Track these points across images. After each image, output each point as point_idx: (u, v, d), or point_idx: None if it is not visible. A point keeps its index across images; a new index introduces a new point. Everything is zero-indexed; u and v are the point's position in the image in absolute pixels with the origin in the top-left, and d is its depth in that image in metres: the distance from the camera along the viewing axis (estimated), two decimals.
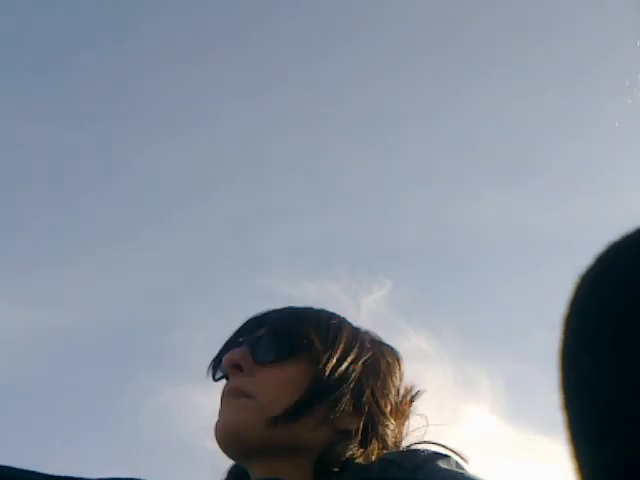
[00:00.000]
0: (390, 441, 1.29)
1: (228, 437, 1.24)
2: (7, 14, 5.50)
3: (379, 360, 1.33)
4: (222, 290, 5.57)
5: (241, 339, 1.33)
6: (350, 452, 1.22)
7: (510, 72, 5.81)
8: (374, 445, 1.25)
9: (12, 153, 5.63)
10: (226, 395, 1.28)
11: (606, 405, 0.47)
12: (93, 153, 5.78)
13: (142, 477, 1.28)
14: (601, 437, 0.47)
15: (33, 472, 1.24)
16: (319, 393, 1.24)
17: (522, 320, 5.37)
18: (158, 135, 5.88)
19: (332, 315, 1.36)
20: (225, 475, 1.34)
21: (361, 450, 1.24)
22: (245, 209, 5.86)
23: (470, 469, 1.20)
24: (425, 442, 1.29)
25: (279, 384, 1.24)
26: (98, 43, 5.81)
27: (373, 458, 1.23)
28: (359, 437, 1.25)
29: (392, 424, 1.30)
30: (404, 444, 1.32)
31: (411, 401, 1.36)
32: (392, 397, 1.32)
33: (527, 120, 5.76)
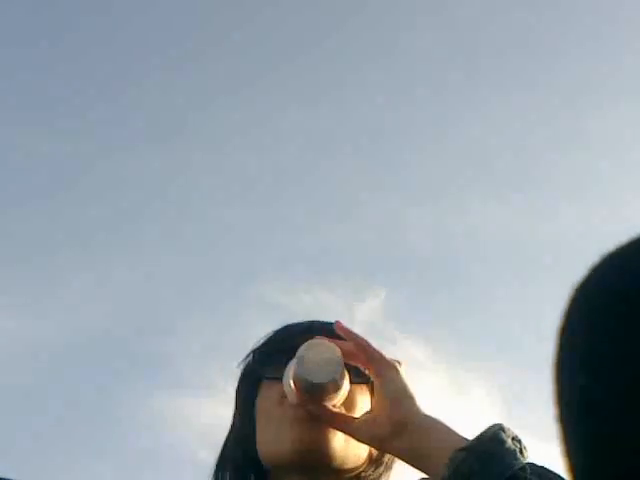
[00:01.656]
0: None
1: (316, 451, 1.23)
2: None
3: None
4: (216, 299, 5.57)
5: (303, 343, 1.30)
6: (375, 475, 1.31)
7: (505, 83, 5.84)
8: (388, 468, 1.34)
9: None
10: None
11: (600, 420, 0.47)
12: (83, 162, 5.80)
13: None
14: (596, 452, 0.46)
15: None
16: None
17: (517, 329, 5.38)
18: (142, 145, 5.90)
19: None
20: None
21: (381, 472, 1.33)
22: (239, 218, 5.87)
23: None
24: None
25: (359, 409, 1.27)
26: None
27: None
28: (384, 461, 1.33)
29: None
30: None
31: None
32: None
33: (520, 129, 5.79)
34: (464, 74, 5.73)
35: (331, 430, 1.23)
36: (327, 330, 1.31)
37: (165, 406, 4.86)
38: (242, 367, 1.40)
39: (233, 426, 1.39)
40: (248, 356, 1.40)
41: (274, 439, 1.26)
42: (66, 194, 5.82)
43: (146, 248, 5.79)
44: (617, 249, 0.50)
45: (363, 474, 1.30)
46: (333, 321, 1.39)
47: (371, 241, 5.68)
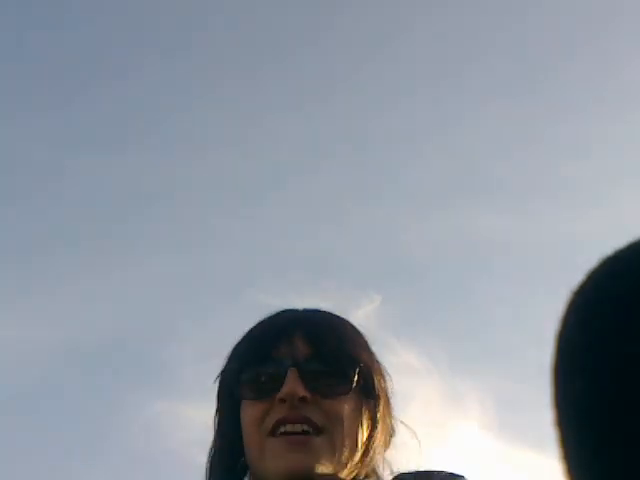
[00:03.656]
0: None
1: (305, 477, 1.20)
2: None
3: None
4: (212, 305, 5.56)
5: (277, 353, 1.27)
6: None
7: (486, 85, 5.85)
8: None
9: None
10: (293, 425, 1.22)
11: (599, 423, 0.47)
12: (82, 166, 5.78)
13: None
14: (595, 454, 0.46)
15: None
16: (375, 435, 1.28)
17: (510, 335, 5.38)
18: (137, 149, 5.89)
19: (363, 339, 1.35)
20: None
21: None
22: (234, 224, 5.86)
23: None
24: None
25: (348, 420, 1.24)
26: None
27: None
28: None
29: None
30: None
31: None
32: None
33: (507, 135, 5.80)
34: (455, 82, 5.74)
35: (317, 458, 1.21)
36: (303, 333, 1.28)
37: (163, 411, 4.84)
38: (220, 379, 1.36)
39: (219, 433, 1.35)
40: (225, 368, 1.35)
41: (261, 463, 1.23)
42: (64, 198, 5.81)
43: (144, 254, 5.77)
44: (614, 253, 0.50)
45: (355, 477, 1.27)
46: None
47: (367, 247, 5.68)
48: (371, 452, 1.28)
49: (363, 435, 1.27)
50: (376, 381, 1.30)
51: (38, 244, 5.65)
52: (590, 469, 0.47)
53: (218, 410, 1.36)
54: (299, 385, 1.21)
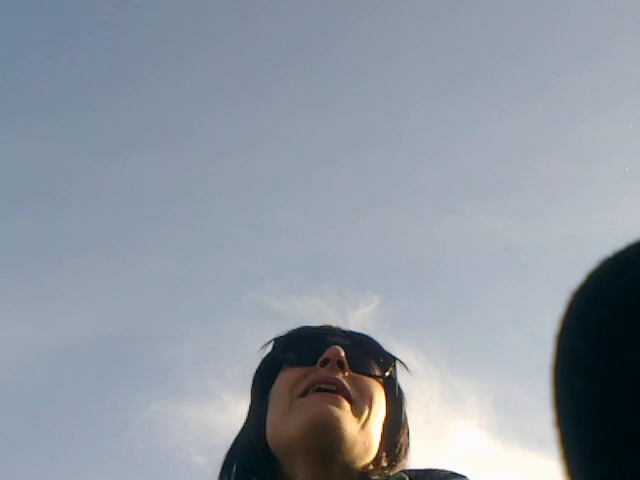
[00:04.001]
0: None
1: (328, 428, 1.21)
2: None
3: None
4: (211, 306, 5.57)
5: (325, 338, 1.35)
6: (378, 475, 1.28)
7: (491, 89, 5.85)
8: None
9: None
10: (327, 384, 1.27)
11: (600, 423, 0.47)
12: (81, 168, 5.78)
13: None
14: (595, 455, 0.46)
15: None
16: (398, 427, 1.36)
17: (510, 335, 5.38)
18: (137, 152, 5.89)
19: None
20: None
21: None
22: (234, 225, 5.86)
23: None
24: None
25: (375, 401, 1.30)
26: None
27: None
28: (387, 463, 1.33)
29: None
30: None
31: None
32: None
33: (510, 137, 5.80)
34: (460, 86, 5.74)
35: (343, 414, 1.23)
36: (345, 335, 1.36)
37: (161, 412, 4.85)
38: (262, 353, 1.42)
39: (249, 413, 1.39)
40: (269, 343, 1.41)
41: (285, 420, 1.25)
42: (64, 199, 5.81)
43: (144, 254, 5.77)
44: (614, 254, 0.51)
45: (371, 468, 1.28)
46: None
47: (365, 249, 5.69)
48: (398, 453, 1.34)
49: (385, 431, 1.31)
50: (402, 390, 1.39)
51: (38, 244, 5.65)
52: (590, 469, 0.47)
53: (252, 392, 1.40)
54: (342, 351, 1.29)
